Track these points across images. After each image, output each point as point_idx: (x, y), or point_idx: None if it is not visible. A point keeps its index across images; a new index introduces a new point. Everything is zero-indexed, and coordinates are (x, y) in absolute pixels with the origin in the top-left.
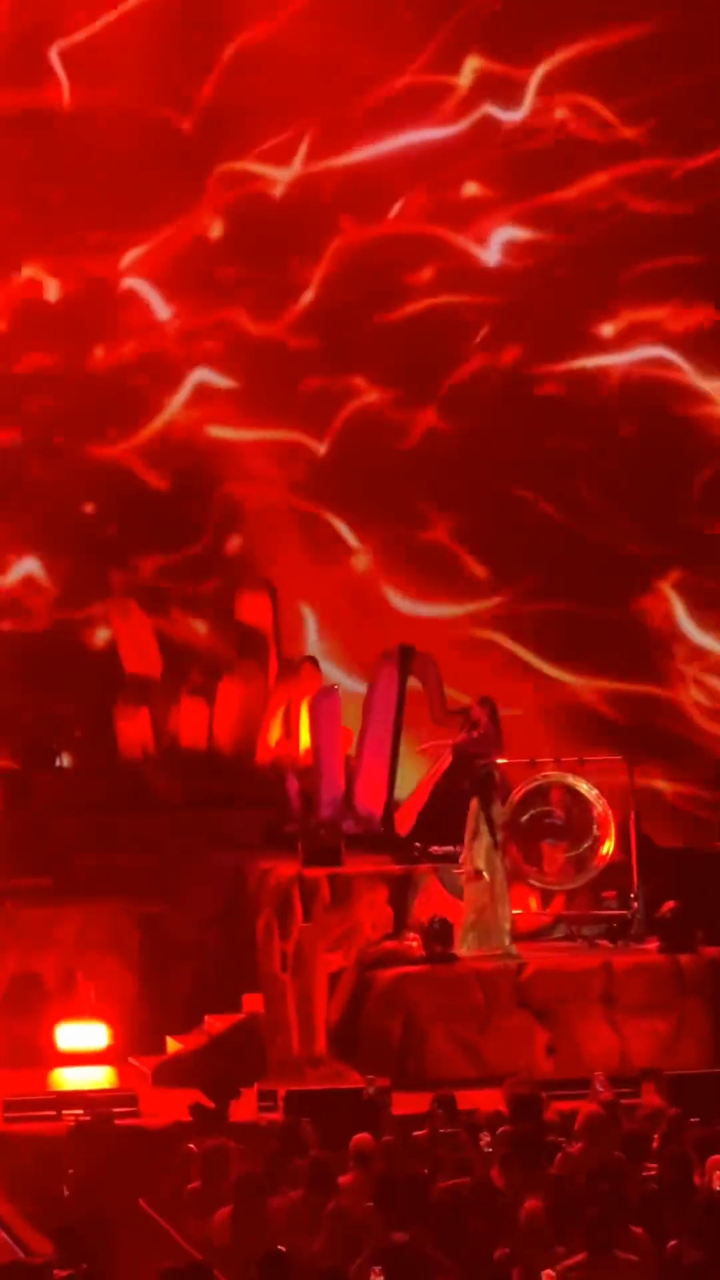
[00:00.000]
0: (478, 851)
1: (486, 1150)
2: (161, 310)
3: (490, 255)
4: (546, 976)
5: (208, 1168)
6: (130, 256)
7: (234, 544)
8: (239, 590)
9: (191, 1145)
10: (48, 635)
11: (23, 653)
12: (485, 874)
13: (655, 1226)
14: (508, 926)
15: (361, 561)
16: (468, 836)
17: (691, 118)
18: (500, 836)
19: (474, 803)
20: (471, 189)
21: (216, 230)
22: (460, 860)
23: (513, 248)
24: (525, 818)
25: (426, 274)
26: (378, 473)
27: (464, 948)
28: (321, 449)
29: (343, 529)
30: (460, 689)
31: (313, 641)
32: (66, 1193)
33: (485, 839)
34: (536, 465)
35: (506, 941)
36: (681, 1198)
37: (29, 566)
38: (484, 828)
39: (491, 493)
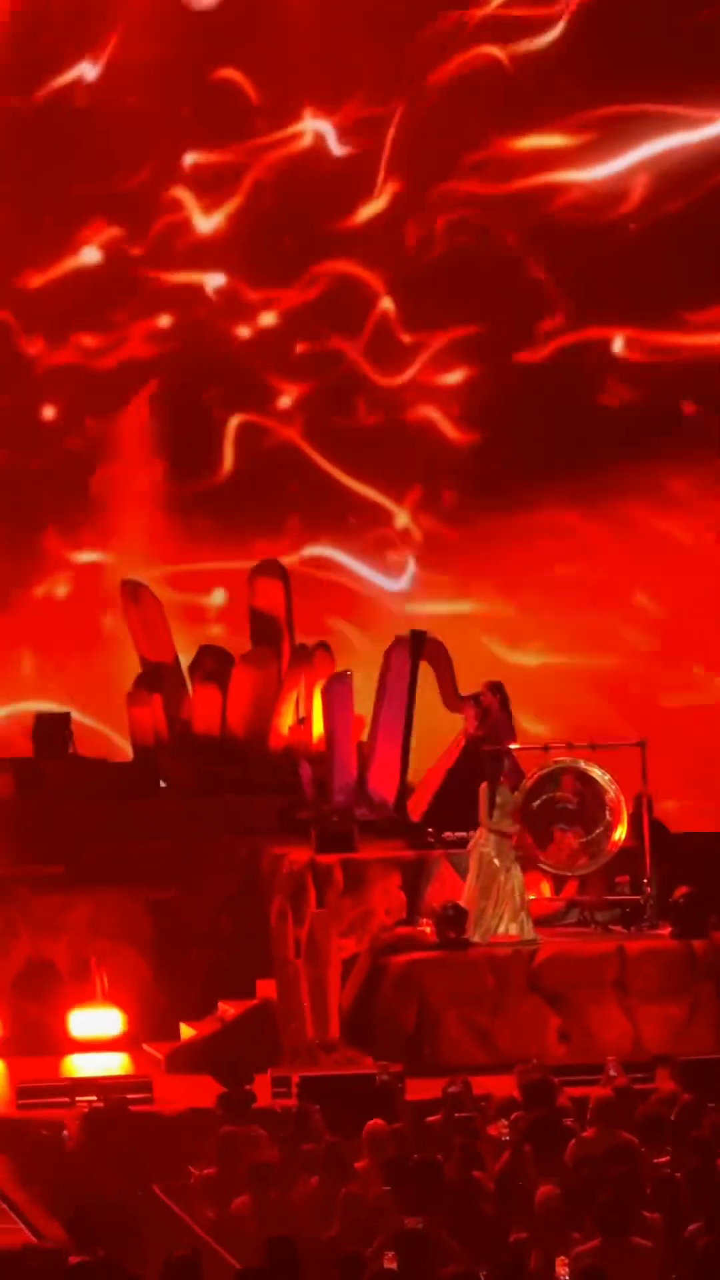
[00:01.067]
0: (487, 837)
1: (501, 1139)
2: None
3: None
4: (559, 962)
5: (224, 1154)
6: None
7: None
8: (253, 575)
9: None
10: None
11: None
12: (497, 860)
13: (670, 1212)
14: (491, 912)
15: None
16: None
17: None
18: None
19: (484, 787)
20: None
21: None
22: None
23: None
24: (537, 803)
25: None
26: None
27: (479, 934)
28: None
29: None
30: None
31: None
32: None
33: (501, 823)
34: None
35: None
36: (697, 1183)
37: None
38: (499, 812)
39: None
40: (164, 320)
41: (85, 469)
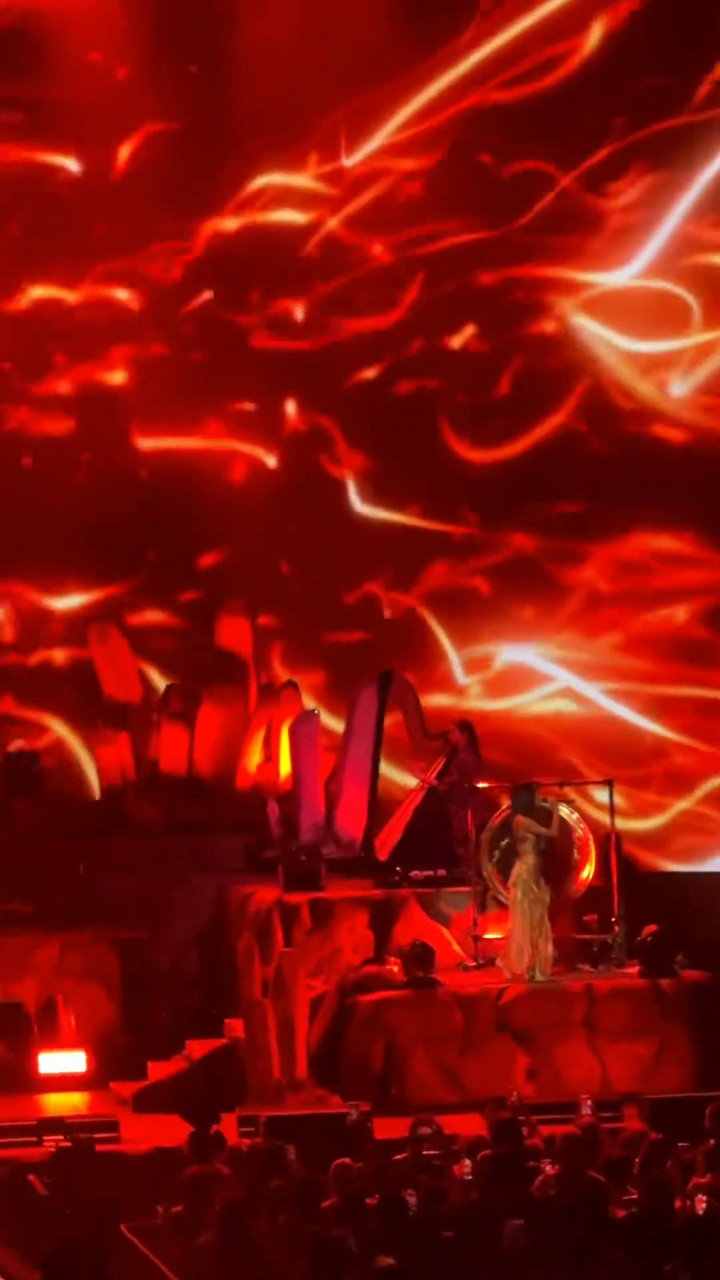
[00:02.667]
0: (527, 871)
1: (465, 1178)
2: None
3: None
4: (527, 1000)
5: (193, 1192)
6: None
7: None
8: (218, 613)
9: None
10: None
11: None
12: (538, 892)
13: (636, 1250)
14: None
15: None
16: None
17: None
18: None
19: (520, 819)
20: None
21: None
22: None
23: None
24: (505, 841)
25: None
26: None
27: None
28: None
29: None
30: None
31: None
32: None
33: (534, 858)
34: None
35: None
36: (663, 1221)
37: None
38: (532, 846)
39: None
40: None
41: None
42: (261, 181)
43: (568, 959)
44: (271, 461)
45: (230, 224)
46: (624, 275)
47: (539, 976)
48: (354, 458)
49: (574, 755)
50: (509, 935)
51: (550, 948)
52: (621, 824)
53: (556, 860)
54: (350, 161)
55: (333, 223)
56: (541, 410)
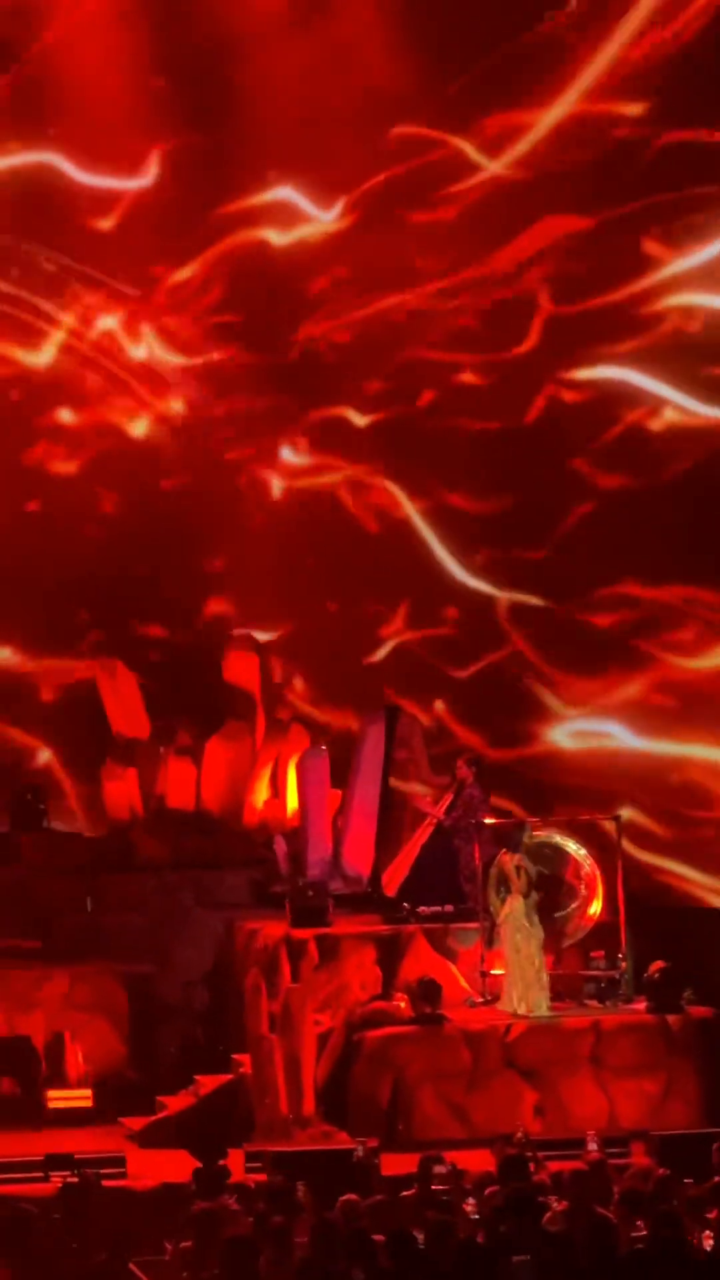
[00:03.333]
0: (520, 907)
1: (473, 1217)
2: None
3: None
4: (534, 1036)
5: (200, 1228)
6: None
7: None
8: (226, 649)
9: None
10: None
11: None
12: (531, 929)
13: None
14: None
15: None
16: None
17: None
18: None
19: (519, 858)
20: None
21: None
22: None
23: None
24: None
25: None
26: None
27: (523, 1006)
28: None
29: None
30: None
31: None
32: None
33: (531, 895)
34: None
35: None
36: (671, 1258)
37: None
38: (525, 882)
39: None
40: None
41: None
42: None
43: (574, 995)
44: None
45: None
46: None
47: (541, 1012)
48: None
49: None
50: (505, 975)
51: (545, 982)
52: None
53: (559, 895)
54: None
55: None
56: None
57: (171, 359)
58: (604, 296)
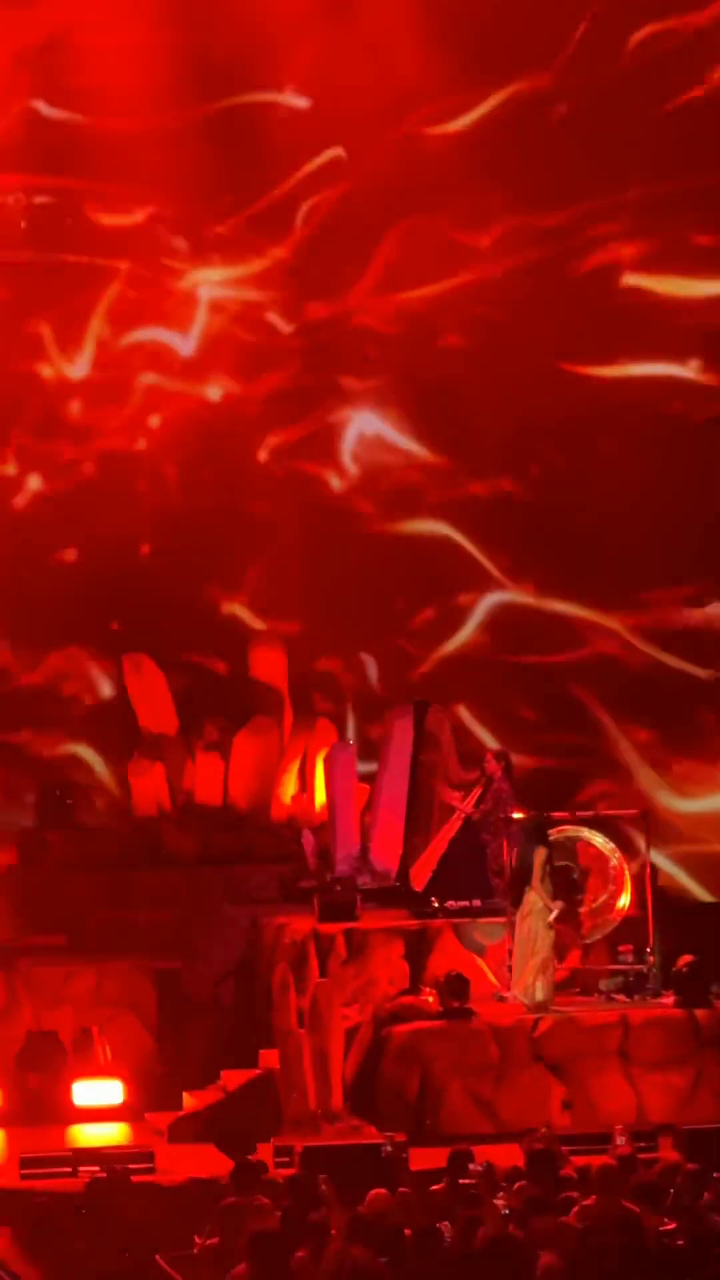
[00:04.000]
0: (540, 899)
1: (504, 1212)
2: None
3: None
4: (562, 1031)
5: (225, 1223)
6: None
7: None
8: (253, 645)
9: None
10: None
11: None
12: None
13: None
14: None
15: None
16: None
17: None
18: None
19: (541, 852)
20: None
21: None
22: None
23: None
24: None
25: None
26: None
27: (540, 996)
28: None
29: None
30: None
31: None
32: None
33: (548, 887)
34: None
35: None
36: (700, 1251)
37: None
38: (547, 876)
39: None
40: None
41: None
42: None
43: (593, 989)
44: None
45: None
46: None
47: (536, 999)
48: None
49: None
50: (518, 965)
51: (553, 977)
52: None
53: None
54: None
55: None
56: None
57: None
58: None
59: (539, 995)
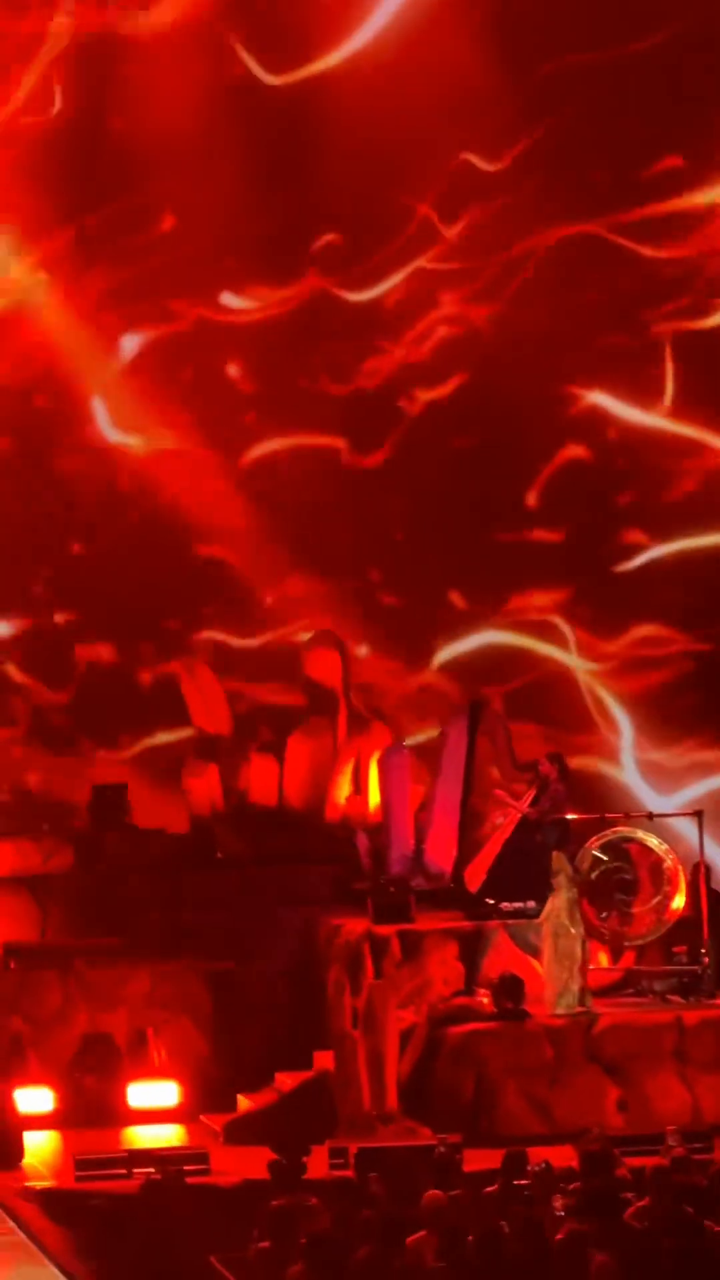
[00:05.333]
0: (562, 905)
1: (559, 1214)
2: None
3: None
4: (617, 1032)
5: (277, 1225)
6: None
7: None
8: (307, 645)
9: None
10: None
11: None
12: (573, 928)
13: None
14: (575, 985)
15: None
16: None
17: None
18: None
19: (555, 856)
20: None
21: None
22: (543, 914)
23: None
24: (597, 873)
25: None
26: None
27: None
28: None
29: None
30: None
31: None
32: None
33: (568, 892)
34: None
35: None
36: None
37: None
38: (566, 881)
39: None
40: None
41: None
42: None
43: (652, 989)
44: None
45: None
46: None
47: (576, 1008)
48: None
49: None
50: (545, 972)
51: (584, 981)
52: None
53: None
54: None
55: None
56: None
57: None
58: None
59: (561, 1006)
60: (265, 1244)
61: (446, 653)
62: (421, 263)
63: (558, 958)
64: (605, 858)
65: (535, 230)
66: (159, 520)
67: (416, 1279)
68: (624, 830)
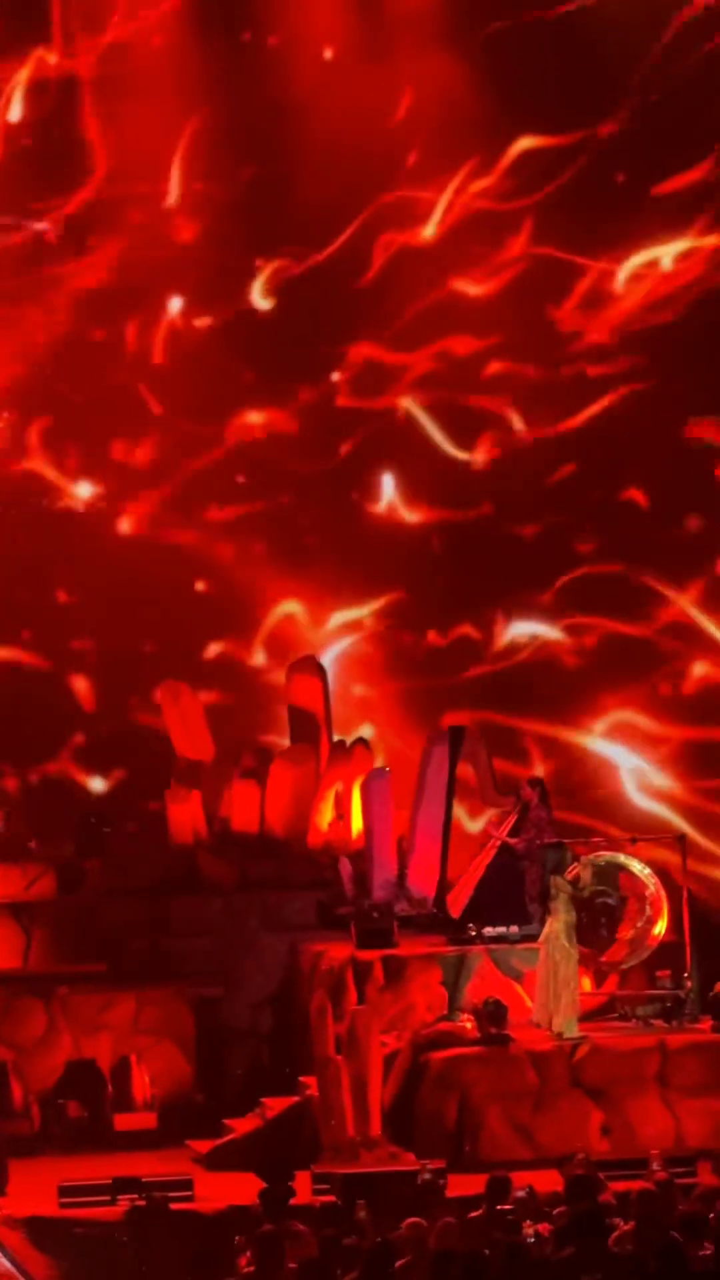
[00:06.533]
0: (561, 928)
1: (529, 1239)
2: None
3: None
4: (601, 1056)
5: (262, 1252)
6: None
7: None
8: (290, 672)
9: (239, 1238)
10: None
11: None
12: (573, 951)
13: None
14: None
15: None
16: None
17: None
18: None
19: (554, 879)
20: None
21: None
22: (542, 937)
23: None
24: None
25: None
26: None
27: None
28: None
29: None
30: None
31: None
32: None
33: (567, 915)
34: None
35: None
36: None
37: None
38: (565, 904)
39: None
40: None
41: None
42: None
43: (635, 1014)
44: None
45: None
46: None
47: (567, 1034)
48: None
49: None
50: (538, 992)
51: (577, 1004)
52: None
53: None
54: None
55: None
56: None
57: None
58: None
59: (565, 1030)
60: (251, 1269)
61: None
62: None
63: (559, 981)
64: (589, 881)
65: None
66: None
67: None
68: (607, 854)
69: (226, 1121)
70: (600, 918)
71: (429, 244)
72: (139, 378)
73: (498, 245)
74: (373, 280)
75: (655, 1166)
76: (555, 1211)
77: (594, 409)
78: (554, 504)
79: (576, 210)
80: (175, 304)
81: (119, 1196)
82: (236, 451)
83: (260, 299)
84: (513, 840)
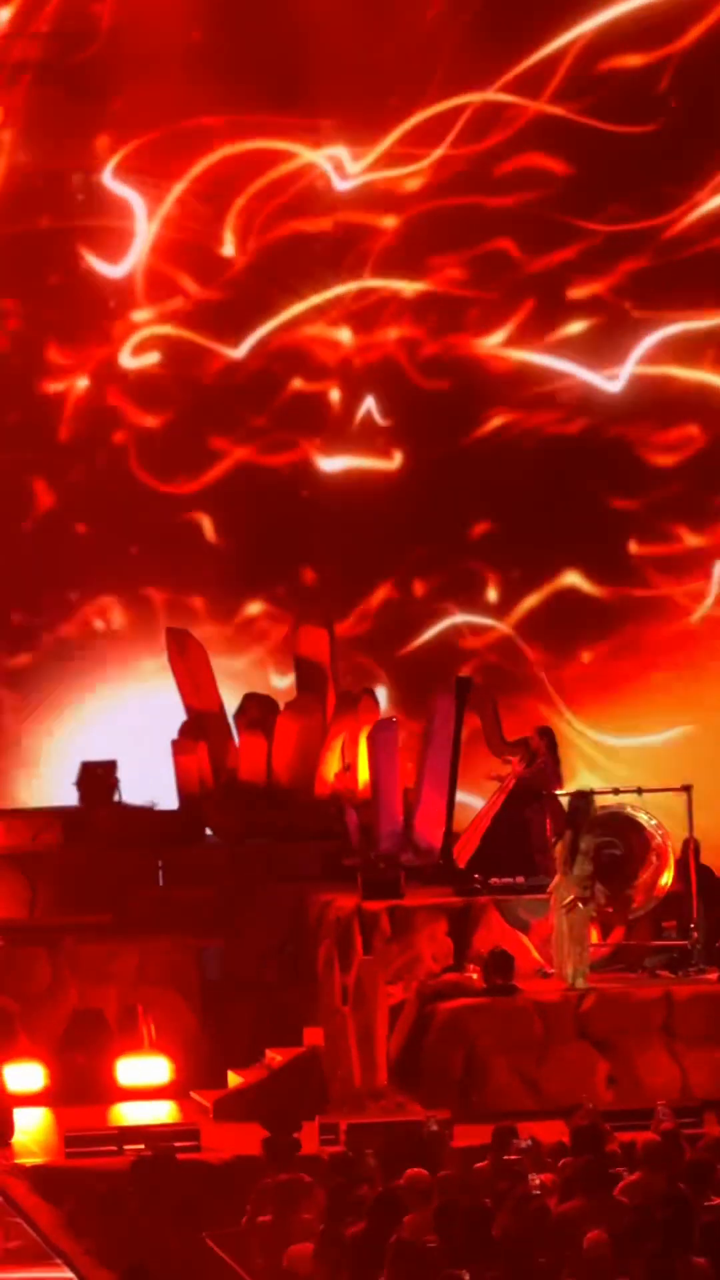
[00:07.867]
0: (574, 881)
1: (535, 1192)
2: None
3: None
4: (607, 1007)
5: (281, 1201)
6: None
7: None
8: (298, 624)
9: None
10: None
11: None
12: (581, 904)
13: (718, 1257)
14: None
15: None
16: (561, 866)
17: None
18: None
19: (568, 833)
20: None
21: None
22: (550, 889)
23: None
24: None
25: None
26: None
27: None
28: None
29: None
30: None
31: None
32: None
33: (583, 868)
34: None
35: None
36: None
37: None
38: (581, 858)
39: None
40: None
41: None
42: None
43: (640, 965)
44: None
45: None
46: None
47: (579, 983)
48: None
49: None
50: (558, 945)
51: (587, 956)
52: None
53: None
54: None
55: None
56: None
57: None
58: None
59: (579, 980)
60: (267, 1218)
61: None
62: None
63: (574, 932)
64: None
65: None
66: None
67: (414, 1255)
68: (613, 806)
69: (233, 1071)
70: (608, 868)
71: None
72: None
73: None
74: None
75: (662, 1117)
76: (560, 1163)
77: None
78: None
79: None
80: None
81: (125, 1147)
82: None
83: None
84: (525, 770)
